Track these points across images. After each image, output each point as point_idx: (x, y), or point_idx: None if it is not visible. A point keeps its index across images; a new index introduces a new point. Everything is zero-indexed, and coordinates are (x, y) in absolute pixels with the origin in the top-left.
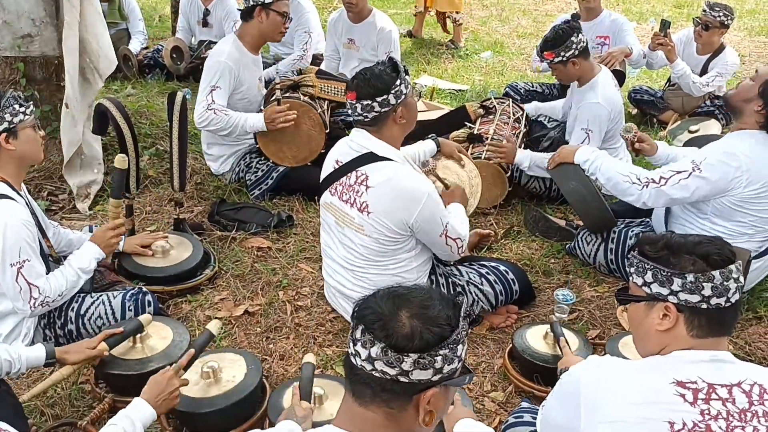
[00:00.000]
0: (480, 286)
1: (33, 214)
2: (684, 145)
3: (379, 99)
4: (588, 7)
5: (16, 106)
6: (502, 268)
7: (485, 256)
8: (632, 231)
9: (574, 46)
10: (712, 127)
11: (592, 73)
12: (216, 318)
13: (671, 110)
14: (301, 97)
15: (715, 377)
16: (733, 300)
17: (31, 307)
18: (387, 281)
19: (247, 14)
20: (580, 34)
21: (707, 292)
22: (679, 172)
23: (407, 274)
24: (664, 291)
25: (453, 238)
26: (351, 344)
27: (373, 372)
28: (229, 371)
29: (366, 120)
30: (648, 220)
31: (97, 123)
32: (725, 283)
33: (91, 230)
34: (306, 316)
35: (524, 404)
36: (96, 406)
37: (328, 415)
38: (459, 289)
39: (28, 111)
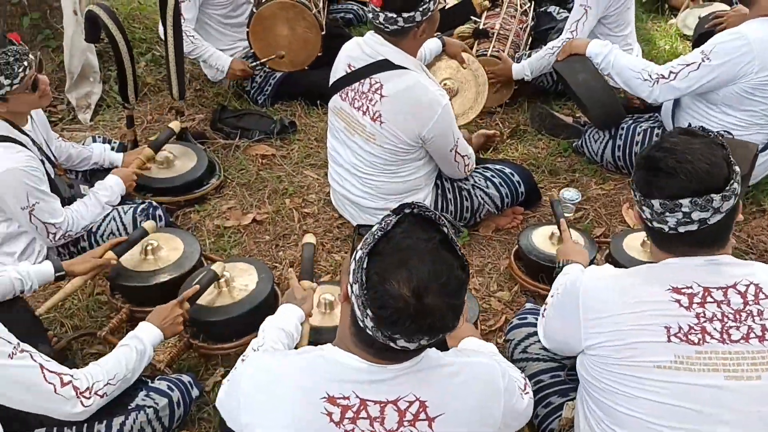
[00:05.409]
0: (486, 190)
1: (39, 148)
2: (694, 29)
3: (405, 15)
4: None
5: (2, 78)
6: (507, 170)
7: (491, 158)
8: (640, 127)
9: None
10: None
11: None
12: (219, 261)
13: None
14: None
15: (710, 280)
16: None
17: (51, 241)
18: (394, 188)
19: None
20: None
21: None
22: (689, 65)
23: (416, 181)
24: None
25: (462, 155)
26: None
27: None
28: (240, 280)
29: (386, 30)
30: (657, 114)
31: (89, 31)
32: None
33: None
34: (314, 223)
35: (528, 305)
36: (113, 316)
37: (337, 320)
38: (465, 193)
39: (16, 80)
